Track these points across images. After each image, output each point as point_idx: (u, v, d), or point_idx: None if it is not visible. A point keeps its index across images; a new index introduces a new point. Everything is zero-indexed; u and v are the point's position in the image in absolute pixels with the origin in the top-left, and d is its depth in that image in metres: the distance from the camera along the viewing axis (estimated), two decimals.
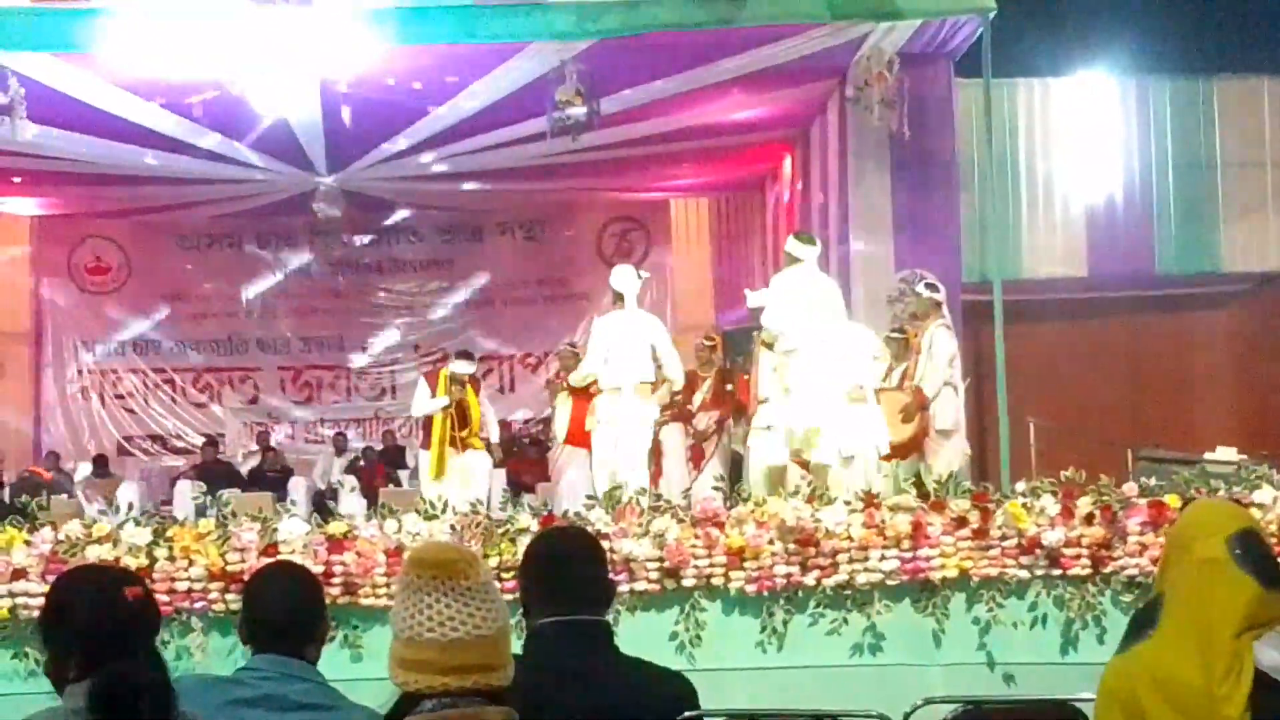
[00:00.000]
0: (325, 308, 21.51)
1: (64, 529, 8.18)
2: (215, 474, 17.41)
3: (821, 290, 10.81)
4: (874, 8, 11.30)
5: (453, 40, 11.52)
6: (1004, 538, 8.21)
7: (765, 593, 8.09)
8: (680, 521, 8.19)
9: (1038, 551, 8.18)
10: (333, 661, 5.38)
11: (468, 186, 18.18)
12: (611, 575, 5.38)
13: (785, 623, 8.10)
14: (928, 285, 12.37)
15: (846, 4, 11.18)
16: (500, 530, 8.12)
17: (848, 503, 8.38)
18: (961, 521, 8.24)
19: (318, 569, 7.70)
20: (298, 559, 7.61)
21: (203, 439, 20.18)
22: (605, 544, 7.44)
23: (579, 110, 12.11)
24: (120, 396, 21.22)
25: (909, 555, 8.14)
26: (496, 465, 13.35)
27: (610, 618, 4.08)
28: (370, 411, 21.44)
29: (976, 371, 13.30)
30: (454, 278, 21.51)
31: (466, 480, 11.89)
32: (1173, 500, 8.27)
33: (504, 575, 7.48)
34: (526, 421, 19.63)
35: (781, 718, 7.02)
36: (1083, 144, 16.77)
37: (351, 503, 13.11)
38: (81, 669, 3.19)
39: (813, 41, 12.27)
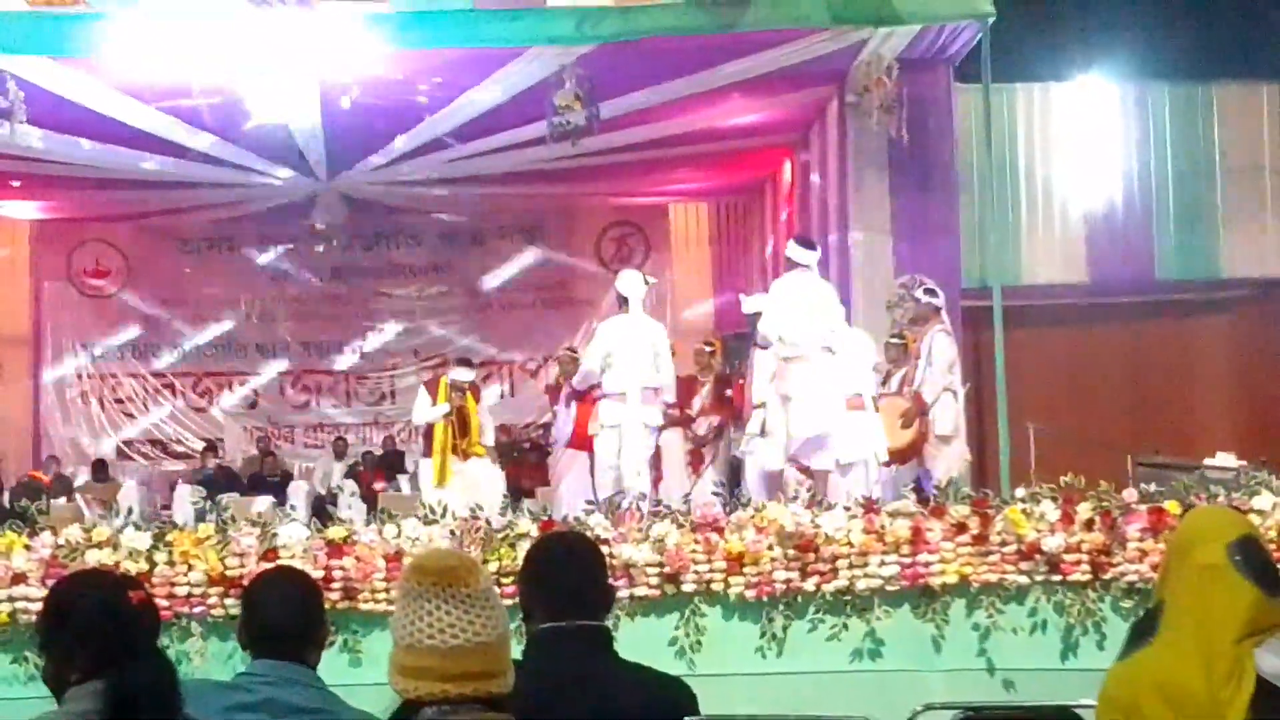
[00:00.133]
0: (325, 312, 21.52)
1: (63, 533, 8.17)
2: (215, 479, 17.42)
3: (822, 295, 10.81)
4: (873, 13, 11.29)
5: (452, 44, 11.53)
6: (1004, 543, 8.21)
7: (765, 598, 8.09)
8: (680, 527, 8.19)
9: (1037, 557, 8.18)
10: (332, 666, 5.37)
11: (467, 191, 18.18)
12: (611, 580, 5.38)
13: (785, 628, 8.10)
14: (927, 290, 12.37)
15: (846, 9, 11.17)
16: (500, 535, 8.12)
17: (847, 508, 8.38)
18: (961, 527, 8.24)
19: (317, 574, 7.68)
20: (297, 564, 7.61)
21: (202, 443, 20.18)
22: (605, 549, 7.42)
23: (578, 115, 12.11)
24: (120, 400, 21.22)
25: (909, 561, 8.15)
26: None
27: (610, 623, 4.08)
28: (370, 416, 21.45)
29: (976, 377, 13.28)
30: (453, 282, 21.51)
31: (472, 489, 11.84)
32: (1173, 506, 8.27)
33: (504, 580, 7.47)
34: (526, 426, 19.61)
35: None
36: (1082, 149, 16.76)
37: (351, 507, 13.11)
38: (85, 672, 3.19)
39: (812, 47, 12.27)
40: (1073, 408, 16.26)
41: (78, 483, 18.31)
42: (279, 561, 7.78)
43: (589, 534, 7.67)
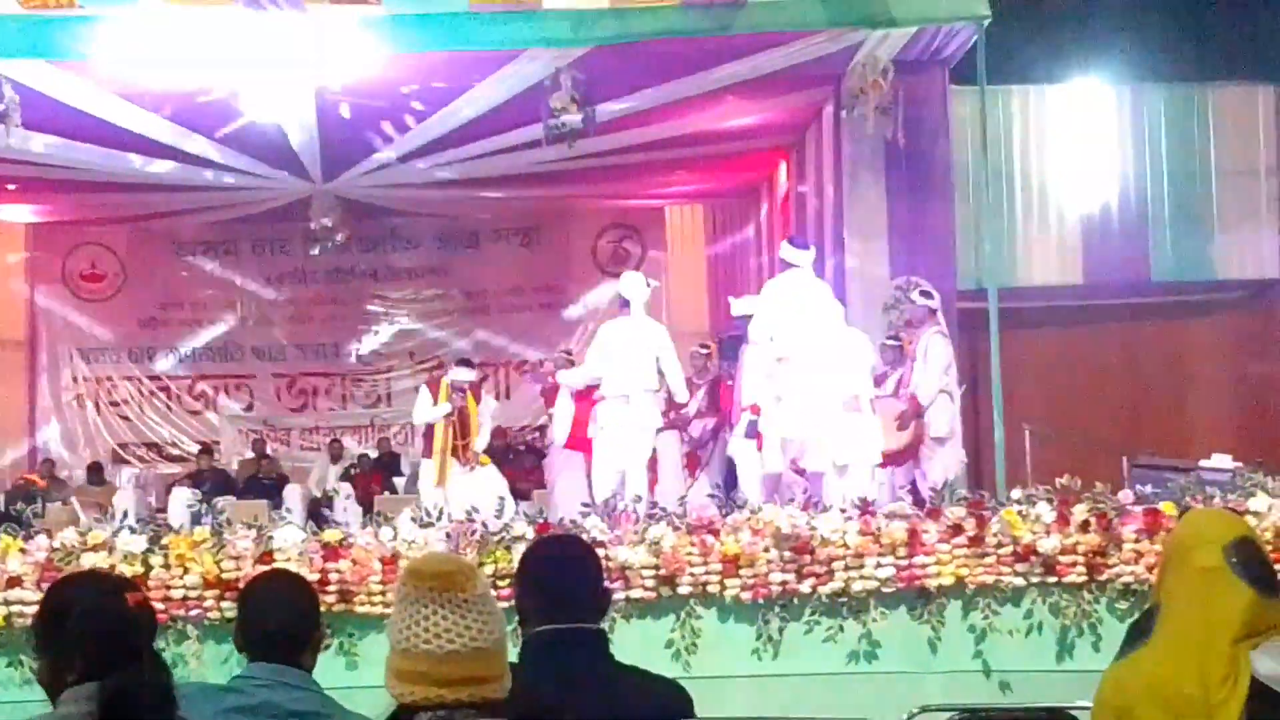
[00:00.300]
0: (321, 315, 21.50)
1: (59, 536, 8.18)
2: (210, 481, 17.41)
3: (816, 295, 10.80)
4: (869, 15, 11.31)
5: (448, 47, 11.52)
6: (1000, 545, 8.22)
7: (761, 600, 8.10)
8: (676, 529, 8.20)
9: (1033, 559, 8.19)
10: (328, 669, 5.37)
11: (463, 193, 18.16)
12: (607, 583, 5.38)
13: (781, 630, 8.11)
14: (923, 292, 12.37)
15: (841, 11, 11.20)
16: (496, 538, 8.12)
17: (843, 510, 8.38)
18: (957, 529, 8.25)
19: (313, 576, 7.69)
20: (293, 567, 7.62)
21: (198, 446, 20.16)
22: (601, 552, 7.45)
23: (574, 117, 12.12)
24: (115, 404, 21.19)
25: (905, 563, 8.16)
26: None
27: (606, 626, 4.08)
28: (366, 419, 21.42)
29: (972, 379, 13.29)
30: (449, 285, 21.50)
31: (473, 492, 11.81)
32: (1168, 508, 8.29)
33: (500, 583, 7.48)
34: (522, 428, 19.60)
35: None
36: (1078, 151, 16.78)
37: (347, 510, 13.11)
38: (81, 674, 3.19)
39: (808, 49, 12.27)
40: (1068, 409, 16.26)
41: (73, 486, 18.30)
42: (275, 564, 7.78)
43: (585, 536, 7.67)
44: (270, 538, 8.16)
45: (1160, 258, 16.75)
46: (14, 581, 7.97)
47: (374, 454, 19.69)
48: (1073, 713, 5.12)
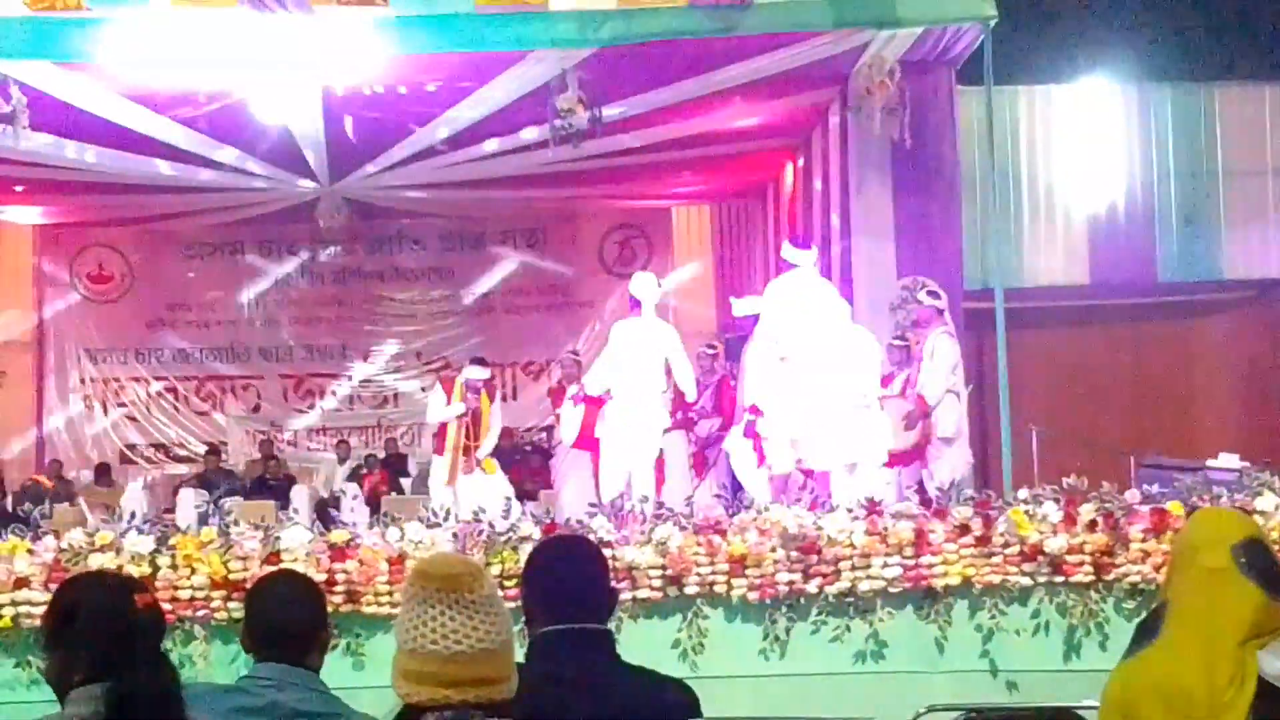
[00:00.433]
0: (327, 316, 21.52)
1: (67, 537, 8.19)
2: (218, 482, 17.42)
3: (819, 295, 10.79)
4: (875, 16, 11.31)
5: (454, 49, 11.52)
6: (1006, 545, 8.22)
7: (768, 600, 8.10)
8: (682, 529, 8.20)
9: (1040, 559, 8.18)
10: (335, 670, 5.38)
11: (470, 194, 18.17)
12: (614, 583, 5.38)
13: (788, 630, 8.11)
14: (930, 293, 12.37)
15: (848, 12, 11.19)
16: (503, 539, 8.12)
17: (850, 510, 8.38)
18: (964, 529, 8.24)
19: (320, 577, 7.70)
20: (300, 567, 7.62)
21: (205, 447, 20.18)
22: (608, 552, 7.46)
23: (581, 118, 12.10)
24: (123, 405, 21.22)
25: (911, 562, 8.15)
26: None
27: (613, 626, 4.08)
28: (373, 420, 21.44)
29: (978, 379, 13.29)
30: (456, 286, 21.52)
31: (481, 493, 11.82)
32: (1175, 507, 8.28)
33: (506, 583, 7.49)
34: (528, 429, 19.62)
35: None
36: (1084, 151, 16.78)
37: (354, 510, 13.11)
38: (88, 674, 3.19)
39: (814, 50, 12.26)
40: (1075, 409, 16.27)
41: (81, 487, 18.32)
42: (282, 565, 7.79)
43: (591, 537, 7.67)
44: (277, 538, 8.17)
45: (1167, 257, 16.75)
46: (21, 582, 7.98)
47: (381, 454, 19.71)
48: (1079, 712, 5.13)
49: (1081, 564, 8.17)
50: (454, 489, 12.21)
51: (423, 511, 8.58)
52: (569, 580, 3.95)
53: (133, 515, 9.17)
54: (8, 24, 10.71)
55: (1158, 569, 7.99)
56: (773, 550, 8.12)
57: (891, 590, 8.12)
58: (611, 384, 11.64)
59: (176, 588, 7.97)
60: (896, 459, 11.27)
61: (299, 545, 8.12)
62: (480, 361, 13.16)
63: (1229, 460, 10.12)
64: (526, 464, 16.80)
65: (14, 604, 7.93)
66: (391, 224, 20.77)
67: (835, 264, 13.84)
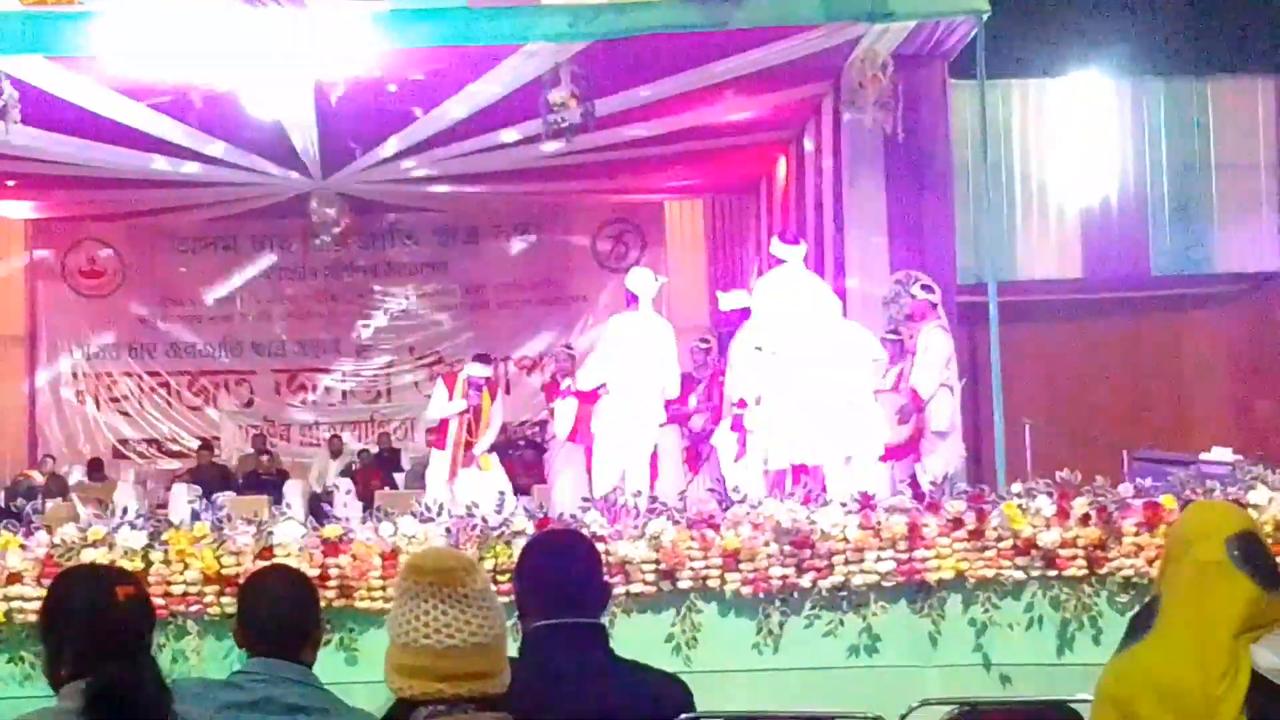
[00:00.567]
0: (320, 310, 21.50)
1: (59, 532, 8.17)
2: (210, 477, 17.42)
3: (810, 291, 10.79)
4: (868, 9, 11.29)
5: (447, 42, 11.51)
6: (1000, 539, 8.21)
7: (761, 594, 8.09)
8: (676, 523, 8.19)
9: (1034, 552, 8.18)
10: (328, 665, 5.37)
11: (463, 189, 18.17)
12: (607, 577, 5.38)
13: (781, 624, 8.10)
14: (923, 286, 12.37)
15: (840, 6, 11.18)
16: (496, 533, 8.12)
17: (843, 504, 8.38)
18: (957, 523, 8.24)
19: (313, 572, 7.68)
20: (293, 562, 7.61)
21: (198, 442, 20.18)
22: (601, 546, 7.45)
23: (573, 112, 12.11)
24: (115, 400, 21.19)
25: (905, 556, 8.15)
26: None
27: (606, 620, 4.08)
28: (366, 414, 21.43)
29: (972, 372, 13.30)
30: (449, 280, 21.51)
31: (479, 492, 11.84)
32: (1168, 501, 8.28)
33: (500, 578, 7.48)
34: (522, 423, 19.61)
35: None
36: (1077, 145, 16.79)
37: (347, 505, 13.11)
38: (74, 668, 3.19)
39: (807, 43, 12.25)
40: (1068, 403, 16.28)
41: (73, 481, 18.31)
42: (275, 560, 7.78)
43: (585, 531, 7.66)
44: (270, 533, 8.16)
45: (1160, 251, 16.77)
46: (14, 578, 7.96)
47: (374, 449, 19.73)
48: (1073, 706, 5.12)
49: (1075, 558, 8.17)
50: (452, 487, 12.22)
51: (416, 506, 8.57)
52: (562, 575, 3.95)
53: (125, 510, 9.15)
54: None
55: (1151, 563, 7.99)
56: (766, 544, 8.11)
57: (885, 584, 8.11)
58: (606, 378, 11.64)
59: (169, 583, 7.96)
60: (890, 453, 11.26)
61: (292, 540, 8.11)
62: (483, 359, 13.17)
63: (1222, 454, 10.12)
64: (520, 459, 16.80)
65: (6, 600, 7.91)
66: (384, 218, 20.76)
67: (828, 258, 13.84)
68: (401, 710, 3.12)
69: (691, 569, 8.08)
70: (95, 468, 19.00)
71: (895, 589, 8.14)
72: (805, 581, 8.09)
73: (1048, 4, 17.07)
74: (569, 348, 15.56)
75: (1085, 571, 8.18)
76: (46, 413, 20.96)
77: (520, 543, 7.59)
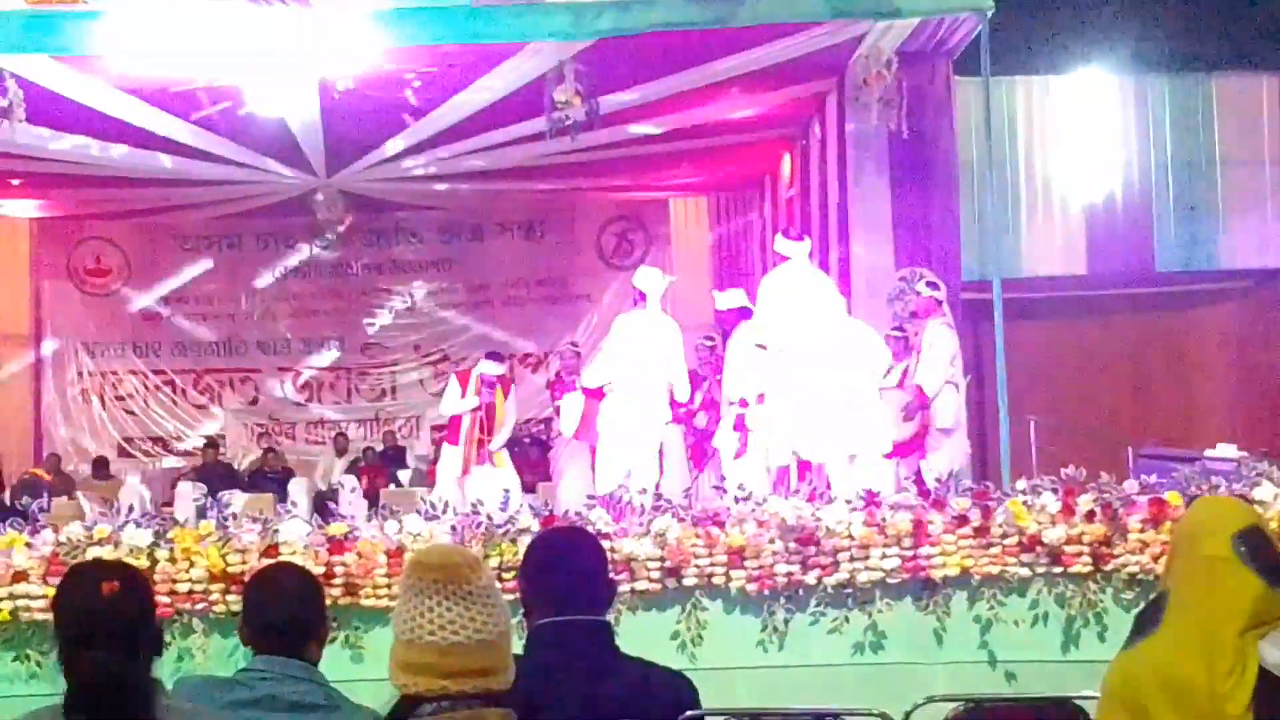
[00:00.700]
0: (325, 309, 21.50)
1: (65, 531, 8.18)
2: (216, 475, 17.42)
3: (815, 287, 10.80)
4: (872, 6, 11.29)
5: (451, 41, 11.52)
6: (1005, 536, 8.21)
7: (766, 591, 8.10)
8: (681, 521, 8.20)
9: (1039, 549, 8.18)
10: (334, 662, 5.38)
11: (467, 187, 18.16)
12: (612, 575, 5.38)
13: (786, 621, 8.11)
14: (928, 283, 12.36)
15: (845, 3, 11.17)
16: (501, 531, 8.12)
17: (848, 501, 8.38)
18: (962, 519, 8.24)
19: (318, 570, 7.70)
20: (298, 560, 7.61)
21: (203, 440, 20.19)
22: (606, 543, 7.46)
23: (578, 110, 12.09)
24: (121, 398, 21.20)
25: (910, 553, 8.15)
26: None
27: (611, 617, 4.08)
28: (371, 412, 21.44)
29: (977, 370, 13.30)
30: (454, 278, 21.51)
31: (488, 490, 11.86)
32: (1173, 497, 8.28)
33: (505, 576, 7.49)
34: (527, 421, 19.61)
35: (783, 717, 7.02)
36: (1082, 142, 16.78)
37: (352, 503, 13.11)
38: (65, 664, 3.20)
39: (811, 40, 12.25)
40: (1073, 400, 16.29)
41: (79, 480, 18.32)
42: (280, 558, 7.78)
43: (590, 528, 7.67)
44: (276, 531, 8.16)
45: (1164, 247, 16.76)
46: (20, 576, 7.97)
47: (379, 447, 19.74)
48: (1078, 702, 5.12)
49: (1080, 554, 8.17)
50: (463, 482, 12.25)
51: (421, 504, 8.58)
52: (568, 572, 3.96)
53: (131, 508, 9.17)
54: (4, 17, 10.71)
55: (1156, 559, 7.99)
56: (771, 542, 8.12)
57: (890, 581, 8.12)
58: (612, 376, 11.65)
59: (175, 581, 7.97)
60: (895, 450, 11.26)
61: (297, 538, 8.12)
62: (496, 356, 13.20)
63: (1227, 450, 10.12)
64: (525, 456, 16.79)
65: (12, 598, 7.92)
66: (388, 216, 20.74)
67: (833, 255, 13.83)
68: (406, 707, 3.12)
69: (696, 566, 8.09)
70: (101, 466, 19.01)
71: (900, 586, 8.15)
72: (810, 579, 8.10)
73: (1052, 1, 17.07)
74: (574, 345, 15.59)
75: (1090, 568, 8.18)
76: (52, 411, 20.97)
77: (525, 540, 7.60)
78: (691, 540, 8.11)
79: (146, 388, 21.24)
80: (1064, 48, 17.13)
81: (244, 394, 21.43)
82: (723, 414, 11.75)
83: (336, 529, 8.17)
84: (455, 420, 12.77)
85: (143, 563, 7.86)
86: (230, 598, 7.87)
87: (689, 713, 3.95)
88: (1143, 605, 3.90)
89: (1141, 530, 8.22)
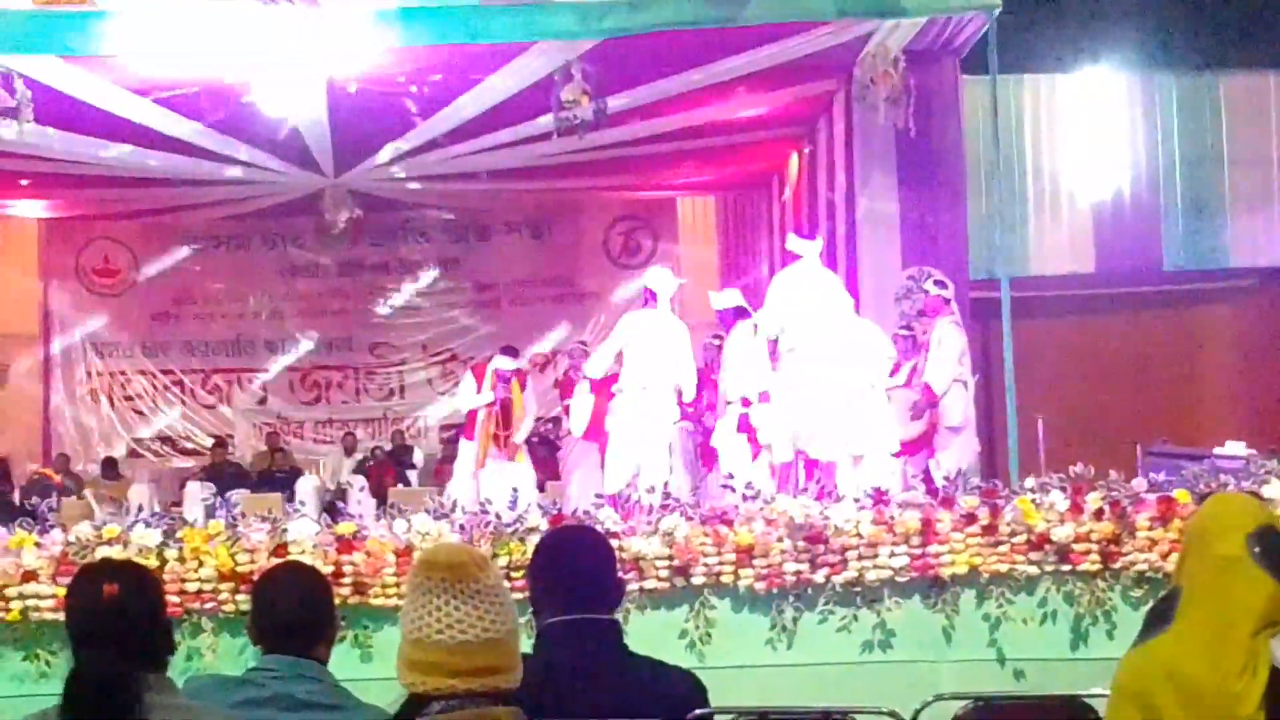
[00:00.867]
0: (333, 308, 21.54)
1: (74, 531, 8.20)
2: (224, 475, 17.44)
3: (825, 286, 10.81)
4: (879, 5, 11.28)
5: (458, 40, 11.52)
6: (1013, 534, 8.21)
7: (775, 590, 8.10)
8: (689, 519, 8.20)
9: (1047, 547, 8.18)
10: (342, 661, 5.38)
11: (474, 186, 18.16)
12: (621, 574, 5.39)
13: (795, 620, 8.11)
14: (936, 282, 12.37)
15: (851, 2, 11.16)
16: (509, 529, 8.13)
17: (857, 499, 8.38)
18: (971, 518, 8.24)
19: (327, 569, 7.70)
20: (307, 559, 7.61)
21: (212, 440, 20.21)
22: (615, 542, 7.46)
23: (585, 109, 12.10)
24: (129, 398, 21.25)
25: (918, 552, 8.15)
26: None
27: (620, 616, 4.09)
28: (379, 411, 21.46)
29: (985, 368, 13.29)
30: (461, 277, 21.53)
31: (505, 484, 11.86)
32: (1182, 495, 8.28)
33: (513, 575, 7.50)
34: (536, 420, 19.61)
35: (792, 715, 7.01)
36: (1089, 140, 16.76)
37: (361, 503, 13.13)
38: (71, 662, 3.22)
39: (818, 39, 12.24)
40: (1081, 398, 16.27)
41: (88, 480, 18.35)
42: (289, 557, 7.79)
43: (598, 527, 7.67)
44: (284, 530, 8.18)
45: (1172, 246, 16.74)
46: (30, 576, 7.98)
47: (387, 446, 19.75)
48: (1087, 700, 5.12)
49: (1088, 552, 8.17)
50: (479, 476, 12.28)
51: (429, 503, 8.58)
52: (576, 571, 3.96)
53: (140, 508, 9.18)
54: (13, 18, 10.72)
55: (1165, 557, 7.99)
56: (779, 540, 8.12)
57: (898, 579, 8.12)
58: (623, 377, 11.65)
59: (184, 580, 7.98)
60: (903, 448, 11.26)
61: (306, 537, 8.13)
62: (510, 351, 13.23)
63: (1235, 448, 10.11)
64: (533, 455, 16.77)
65: (22, 597, 7.93)
66: (396, 216, 20.75)
67: (840, 254, 13.84)
68: (414, 706, 3.12)
69: (705, 565, 8.09)
70: (110, 466, 19.03)
71: (909, 584, 8.15)
72: (819, 577, 8.10)
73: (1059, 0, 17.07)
74: (584, 344, 15.58)
75: (1099, 566, 8.17)
76: (61, 411, 21.02)
77: (534, 539, 7.61)
78: (700, 539, 8.11)
79: (155, 387, 21.29)
80: (1071, 46, 17.11)
81: (252, 393, 21.45)
82: (721, 413, 11.74)
83: (345, 528, 8.18)
84: (472, 415, 12.81)
85: (152, 562, 7.87)
86: (239, 597, 7.88)
87: (697, 711, 3.95)
88: (1153, 602, 3.89)
89: (1150, 528, 8.21)
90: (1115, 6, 17.10)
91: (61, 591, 7.50)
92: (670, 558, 8.07)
